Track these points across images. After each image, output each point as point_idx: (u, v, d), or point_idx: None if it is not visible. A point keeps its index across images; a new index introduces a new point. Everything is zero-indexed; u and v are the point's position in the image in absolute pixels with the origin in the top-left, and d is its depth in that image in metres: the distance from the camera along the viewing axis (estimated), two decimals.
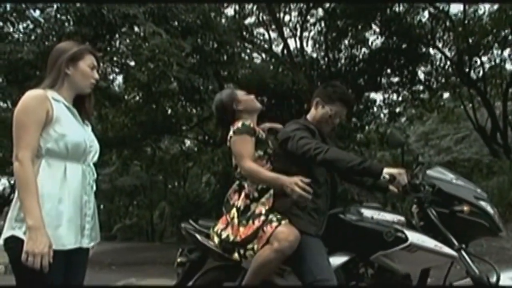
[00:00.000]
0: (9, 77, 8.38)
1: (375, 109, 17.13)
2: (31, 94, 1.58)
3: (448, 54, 14.14)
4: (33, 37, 8.24)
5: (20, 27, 9.09)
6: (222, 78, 13.28)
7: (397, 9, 12.13)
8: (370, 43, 14.77)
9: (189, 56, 7.72)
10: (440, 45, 13.71)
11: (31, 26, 8.93)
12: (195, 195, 24.59)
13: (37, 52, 7.24)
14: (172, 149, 23.67)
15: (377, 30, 13.62)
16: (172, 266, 2.51)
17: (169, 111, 13.78)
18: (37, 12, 9.11)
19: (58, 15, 7.48)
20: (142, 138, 14.09)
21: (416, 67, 14.19)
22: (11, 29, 9.08)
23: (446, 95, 17.44)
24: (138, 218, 22.00)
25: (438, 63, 14.25)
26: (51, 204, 1.50)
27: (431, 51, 14.09)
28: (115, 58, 7.76)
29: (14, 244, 1.46)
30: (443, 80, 14.82)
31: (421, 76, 14.89)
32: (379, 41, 14.40)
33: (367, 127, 17.80)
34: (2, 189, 33.03)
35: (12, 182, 30.81)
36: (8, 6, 8.92)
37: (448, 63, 14.33)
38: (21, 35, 8.85)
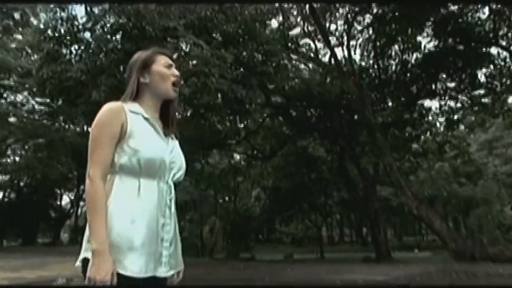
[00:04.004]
0: (61, 97, 8.72)
1: (430, 117, 16.15)
2: (106, 107, 1.47)
3: None
4: (84, 56, 8.52)
5: (72, 48, 9.51)
6: (268, 90, 13.11)
7: (452, 8, 11.30)
8: (422, 47, 13.96)
9: (232, 66, 7.57)
10: (503, 43, 12.61)
11: (82, 47, 9.32)
12: (245, 210, 24.47)
13: (85, 70, 7.42)
14: (221, 163, 23.79)
15: (430, 32, 12.81)
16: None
17: (218, 125, 13.75)
18: (87, 33, 9.51)
19: (104, 33, 7.67)
20: (190, 153, 14.17)
21: (475, 70, 13.13)
22: (65, 51, 9.55)
23: (511, 98, 16.02)
24: (188, 233, 22.18)
25: (502, 63, 13.10)
26: (122, 224, 1.37)
27: (493, 50, 13.00)
28: None
29: (85, 268, 1.35)
30: (508, 82, 13.59)
31: (482, 78, 13.76)
32: (432, 44, 13.58)
33: (422, 137, 16.81)
34: (64, 204, 35.08)
35: (72, 197, 32.60)
36: (62, 29, 9.38)
37: None
38: (73, 56, 9.19)
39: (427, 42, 13.86)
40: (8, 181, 29.88)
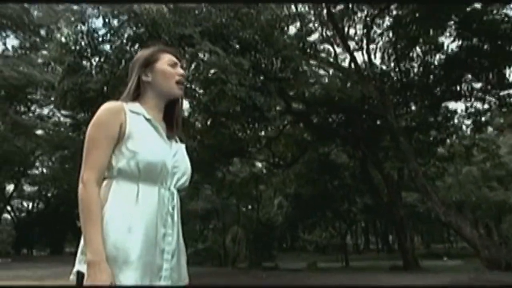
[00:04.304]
0: (82, 108, 8.85)
1: (456, 120, 15.63)
2: (105, 106, 1.38)
3: None
4: (104, 67, 8.65)
5: (93, 60, 9.68)
6: (288, 97, 12.98)
7: (476, 6, 10.92)
8: (445, 48, 13.57)
9: (249, 73, 7.49)
10: None
11: (102, 59, 9.47)
12: (267, 218, 24.25)
13: (105, 81, 7.51)
14: (242, 172, 23.74)
15: (453, 32, 12.44)
16: None
17: (238, 133, 13.69)
18: (107, 45, 9.68)
19: (122, 44, 7.75)
20: (211, 161, 14.16)
21: (503, 69, 12.64)
22: (85, 63, 9.74)
23: None
24: (211, 242, 22.14)
25: None
26: (118, 233, 1.26)
27: None
28: None
29: (80, 282, 1.25)
30: None
31: (511, 78, 13.23)
32: (455, 44, 13.17)
33: (448, 140, 16.27)
34: None
35: None
36: (83, 42, 9.57)
37: None
38: (93, 67, 9.35)
39: (450, 42, 13.47)
40: (37, 192, 30.76)
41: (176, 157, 1.43)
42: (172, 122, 1.50)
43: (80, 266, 1.26)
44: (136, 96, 1.46)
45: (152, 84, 1.46)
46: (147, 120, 1.41)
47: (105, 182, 1.34)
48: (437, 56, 13.98)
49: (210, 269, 14.85)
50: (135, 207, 1.29)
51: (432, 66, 14.24)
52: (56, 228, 28.97)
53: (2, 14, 18.71)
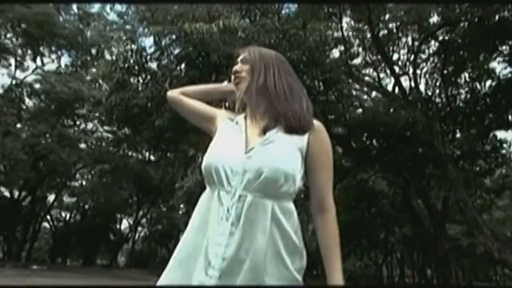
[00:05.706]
0: (127, 123, 9.05)
1: (504, 150, 14.84)
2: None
3: None
4: (150, 84, 8.85)
5: (140, 77, 9.95)
6: (329, 120, 12.75)
7: None
8: (497, 74, 13.02)
9: None
10: None
11: (148, 76, 9.71)
12: None
13: (150, 97, 7.64)
14: None
15: (506, 58, 11.92)
16: None
17: None
18: (154, 63, 9.93)
19: (170, 63, 7.91)
20: None
21: None
22: (133, 80, 10.01)
23: None
24: None
25: None
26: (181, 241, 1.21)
27: None
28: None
29: None
30: None
31: None
32: (508, 70, 12.61)
33: (497, 171, 15.41)
34: (123, 228, 36.30)
35: (131, 222, 33.56)
36: (131, 60, 9.88)
37: None
38: (139, 84, 9.59)
39: (503, 69, 12.91)
40: (75, 203, 31.73)
41: (250, 154, 1.17)
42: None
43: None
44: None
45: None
46: (236, 123, 1.33)
47: None
48: (488, 83, 13.43)
49: None
50: (195, 211, 1.21)
51: (481, 93, 13.67)
52: (90, 240, 29.61)
53: (59, 35, 19.80)
